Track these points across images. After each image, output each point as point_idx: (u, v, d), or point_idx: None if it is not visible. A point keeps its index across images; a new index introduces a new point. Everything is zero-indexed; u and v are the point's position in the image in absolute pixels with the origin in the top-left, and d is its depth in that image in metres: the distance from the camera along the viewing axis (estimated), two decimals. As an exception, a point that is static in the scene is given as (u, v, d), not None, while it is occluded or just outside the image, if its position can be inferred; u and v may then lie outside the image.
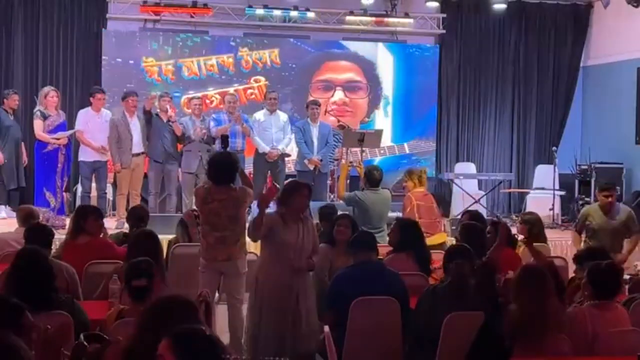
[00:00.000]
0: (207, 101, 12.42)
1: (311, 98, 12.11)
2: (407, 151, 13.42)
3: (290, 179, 8.59)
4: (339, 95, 13.20)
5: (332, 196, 10.93)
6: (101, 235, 6.50)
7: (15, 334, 2.93)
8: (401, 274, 5.65)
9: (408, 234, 6.55)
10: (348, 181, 10.44)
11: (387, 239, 7.22)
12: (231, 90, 12.30)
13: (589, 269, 4.80)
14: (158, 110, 10.46)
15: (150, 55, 12.48)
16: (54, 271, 4.56)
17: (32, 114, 10.40)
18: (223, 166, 6.32)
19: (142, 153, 10.37)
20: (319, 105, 10.97)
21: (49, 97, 10.06)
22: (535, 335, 4.29)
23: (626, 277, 5.83)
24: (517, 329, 4.28)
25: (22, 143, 11.07)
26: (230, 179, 6.30)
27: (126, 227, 7.71)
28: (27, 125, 11.43)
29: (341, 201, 8.86)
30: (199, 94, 12.07)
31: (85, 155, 10.28)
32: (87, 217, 6.36)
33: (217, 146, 10.30)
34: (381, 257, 6.22)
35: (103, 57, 12.24)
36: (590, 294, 4.71)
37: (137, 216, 7.01)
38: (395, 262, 6.14)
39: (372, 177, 8.22)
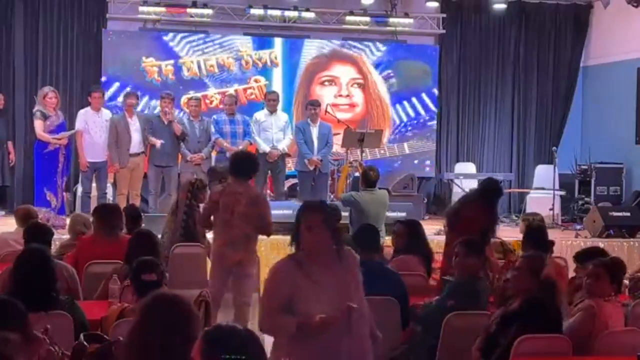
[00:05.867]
0: (207, 101, 12.43)
1: (311, 98, 12.10)
2: (407, 151, 13.42)
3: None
4: (344, 93, 13.21)
5: (331, 196, 10.92)
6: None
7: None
8: (401, 274, 5.64)
9: (416, 236, 6.51)
10: (348, 181, 10.44)
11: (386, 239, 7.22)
12: (231, 90, 12.32)
13: (603, 263, 4.81)
14: (160, 111, 10.46)
15: (150, 55, 12.48)
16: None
17: (32, 114, 10.39)
18: (243, 159, 6.50)
19: (142, 153, 10.37)
20: (319, 106, 10.95)
21: (48, 98, 10.06)
22: None
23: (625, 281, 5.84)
24: None
25: (9, 142, 11.11)
26: (249, 173, 6.42)
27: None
28: (27, 125, 11.47)
29: (339, 202, 8.84)
30: (199, 94, 12.07)
31: (87, 155, 10.26)
32: (124, 216, 6.50)
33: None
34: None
35: (103, 57, 12.24)
36: (604, 289, 4.69)
37: (132, 216, 7.02)
38: (404, 266, 6.08)
39: (368, 178, 8.20)
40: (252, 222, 6.24)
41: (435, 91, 13.44)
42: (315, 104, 10.95)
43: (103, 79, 12.11)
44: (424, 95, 13.39)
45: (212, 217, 6.45)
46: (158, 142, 10.17)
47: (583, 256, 5.61)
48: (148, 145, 10.37)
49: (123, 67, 12.34)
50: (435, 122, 13.46)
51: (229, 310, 6.28)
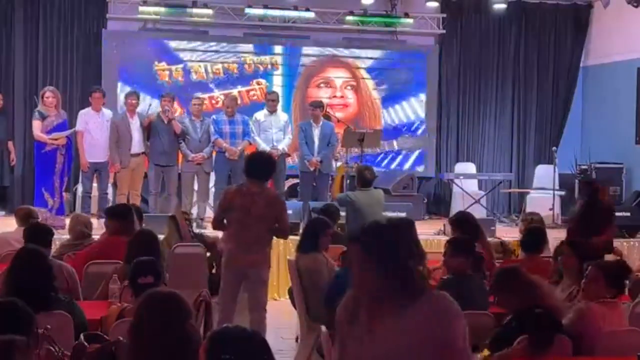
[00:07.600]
0: (213, 101, 12.61)
1: (312, 99, 12.11)
2: (407, 151, 13.43)
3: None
4: (338, 94, 13.23)
5: (331, 196, 10.92)
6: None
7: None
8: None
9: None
10: (348, 181, 10.44)
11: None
12: (234, 92, 12.42)
13: (600, 265, 4.81)
14: (160, 111, 10.47)
15: (150, 54, 12.54)
16: (54, 271, 4.56)
17: (32, 115, 10.41)
18: (261, 161, 6.32)
19: (142, 153, 10.38)
20: (320, 107, 10.93)
21: (45, 97, 10.07)
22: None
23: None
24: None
25: (10, 142, 11.12)
26: (266, 175, 6.28)
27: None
28: (27, 125, 11.47)
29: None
30: (206, 95, 12.21)
31: (87, 155, 10.26)
32: None
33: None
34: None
35: (103, 57, 12.25)
36: (599, 291, 4.68)
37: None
38: None
39: (363, 177, 8.20)
40: (268, 224, 6.08)
41: (435, 91, 13.44)
42: (317, 104, 10.94)
43: (103, 79, 12.11)
44: (423, 95, 13.40)
45: (224, 220, 6.25)
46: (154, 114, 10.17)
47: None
48: (148, 145, 10.39)
49: (122, 67, 12.36)
50: (435, 122, 13.46)
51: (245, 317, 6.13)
